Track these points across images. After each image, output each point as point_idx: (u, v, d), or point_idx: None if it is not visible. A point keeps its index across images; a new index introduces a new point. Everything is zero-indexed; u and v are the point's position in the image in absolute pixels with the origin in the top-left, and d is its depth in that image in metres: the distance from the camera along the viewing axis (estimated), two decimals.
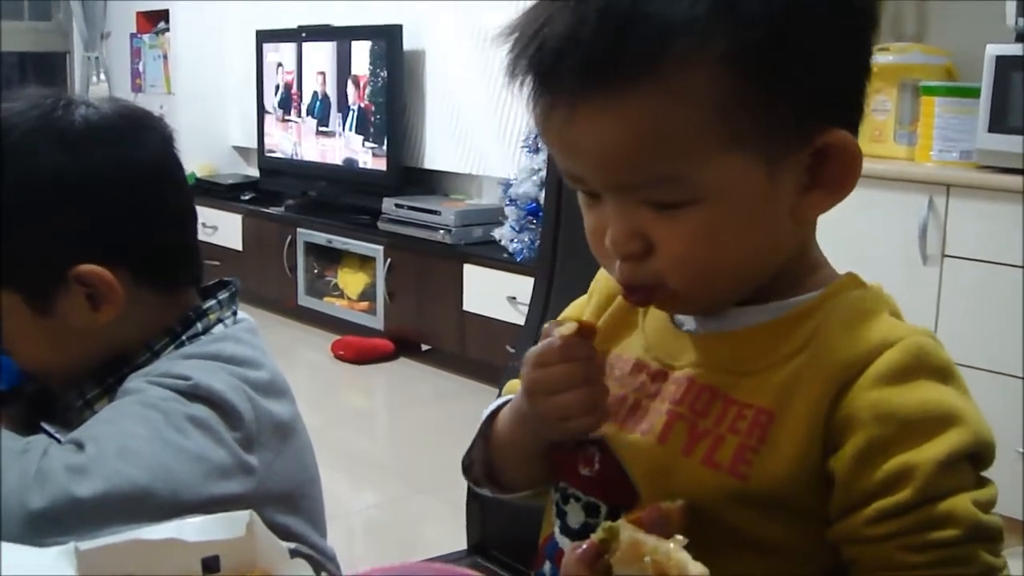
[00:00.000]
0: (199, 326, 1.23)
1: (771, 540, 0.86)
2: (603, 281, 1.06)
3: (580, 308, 1.09)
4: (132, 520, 1.02)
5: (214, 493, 1.09)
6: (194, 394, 1.13)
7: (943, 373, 0.85)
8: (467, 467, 1.07)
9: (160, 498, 1.05)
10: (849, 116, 0.89)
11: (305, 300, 5.75)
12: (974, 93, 3.22)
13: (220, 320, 1.26)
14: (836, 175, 0.87)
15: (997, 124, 3.14)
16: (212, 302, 1.26)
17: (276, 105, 6.05)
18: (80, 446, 1.07)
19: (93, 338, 1.19)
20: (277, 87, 6.04)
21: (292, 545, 0.85)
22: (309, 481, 1.26)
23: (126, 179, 1.17)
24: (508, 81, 0.87)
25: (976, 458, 0.83)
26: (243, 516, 0.86)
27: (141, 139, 1.20)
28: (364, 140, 5.50)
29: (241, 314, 1.30)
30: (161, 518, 1.03)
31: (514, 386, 1.06)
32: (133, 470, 1.05)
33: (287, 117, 5.98)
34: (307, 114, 5.86)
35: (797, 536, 0.86)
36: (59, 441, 1.11)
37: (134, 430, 1.08)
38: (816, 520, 0.85)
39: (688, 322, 0.96)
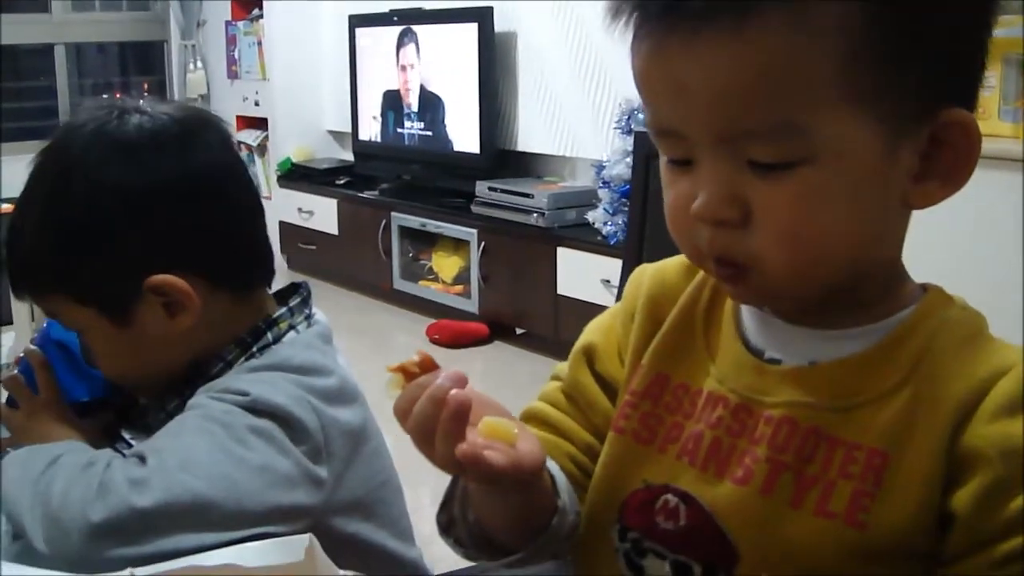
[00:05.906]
0: (269, 336, 1.22)
1: None
2: (645, 297, 0.99)
3: (608, 324, 1.02)
4: (194, 530, 1.02)
5: (280, 503, 1.08)
6: (254, 408, 1.11)
7: None
8: (445, 526, 0.93)
9: (222, 508, 1.04)
10: (969, 98, 0.82)
11: (400, 283, 5.77)
12: None
13: (292, 327, 1.24)
14: (951, 163, 0.80)
15: None
16: (283, 310, 1.24)
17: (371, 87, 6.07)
18: (142, 459, 1.07)
19: (172, 347, 1.19)
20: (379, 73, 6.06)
21: (348, 574, 0.82)
22: (382, 486, 1.24)
23: (190, 185, 1.16)
24: (610, 22, 0.80)
25: None
26: (302, 540, 0.84)
27: (200, 142, 1.19)
28: (457, 123, 5.49)
29: (318, 315, 1.28)
30: (225, 528, 1.03)
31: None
32: (193, 481, 1.04)
33: (386, 107, 6.00)
34: (402, 99, 5.87)
35: None
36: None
37: (195, 442, 1.08)
38: (929, 563, 0.79)
39: (770, 350, 0.88)
